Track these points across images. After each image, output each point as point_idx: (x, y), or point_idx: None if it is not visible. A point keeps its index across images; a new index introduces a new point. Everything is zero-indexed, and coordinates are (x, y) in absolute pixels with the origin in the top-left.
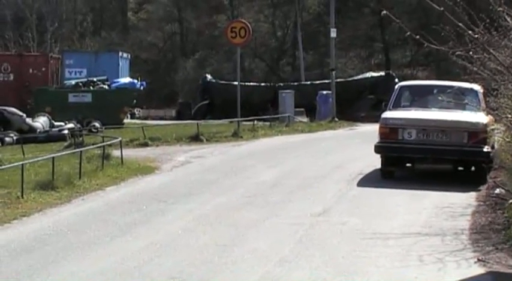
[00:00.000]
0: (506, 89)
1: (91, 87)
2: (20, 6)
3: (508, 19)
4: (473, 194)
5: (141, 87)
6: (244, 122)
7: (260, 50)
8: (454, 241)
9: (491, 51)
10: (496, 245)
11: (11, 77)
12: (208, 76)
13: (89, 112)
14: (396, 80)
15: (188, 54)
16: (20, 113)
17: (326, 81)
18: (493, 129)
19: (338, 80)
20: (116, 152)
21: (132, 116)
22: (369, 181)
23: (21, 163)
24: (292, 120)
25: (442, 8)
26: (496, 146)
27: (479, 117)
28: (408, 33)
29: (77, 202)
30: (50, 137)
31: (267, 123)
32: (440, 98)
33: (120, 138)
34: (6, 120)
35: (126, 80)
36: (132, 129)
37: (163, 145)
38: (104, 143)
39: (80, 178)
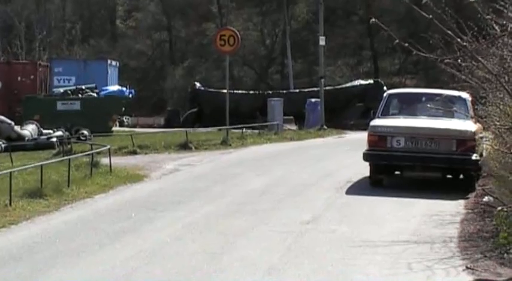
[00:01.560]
0: (495, 97)
1: (80, 95)
2: (8, 14)
3: (496, 27)
4: (461, 202)
5: (130, 95)
6: (233, 130)
7: (249, 58)
8: (443, 249)
9: (480, 59)
10: (485, 253)
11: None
12: (197, 84)
13: (78, 120)
14: (385, 88)
15: (177, 62)
16: (9, 120)
17: (315, 89)
18: (481, 137)
19: (327, 88)
20: (104, 160)
21: (121, 124)
22: (357, 188)
23: (9, 170)
24: (281, 128)
25: (430, 16)
26: (484, 153)
27: (468, 125)
28: (397, 41)
29: (65, 210)
30: (38, 145)
31: (256, 131)
32: (428, 106)
33: (108, 146)
34: None
35: (114, 88)
36: (121, 137)
37: (152, 152)
38: (93, 151)
39: (68, 185)
